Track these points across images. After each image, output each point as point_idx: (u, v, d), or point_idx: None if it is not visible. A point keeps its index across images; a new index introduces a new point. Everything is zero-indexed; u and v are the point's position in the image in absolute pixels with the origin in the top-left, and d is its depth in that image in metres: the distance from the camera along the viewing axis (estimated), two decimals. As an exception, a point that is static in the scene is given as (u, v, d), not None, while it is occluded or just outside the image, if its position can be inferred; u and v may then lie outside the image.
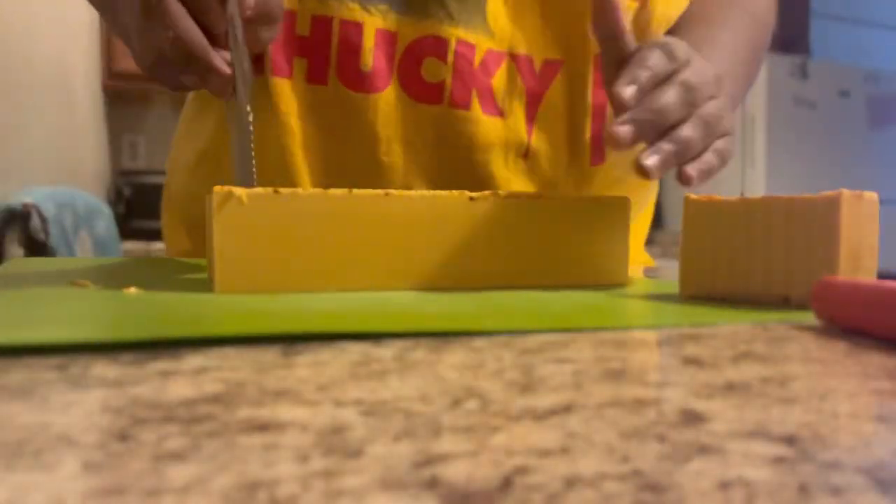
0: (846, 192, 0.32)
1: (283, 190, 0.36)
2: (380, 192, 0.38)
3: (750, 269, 0.34)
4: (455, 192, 0.40)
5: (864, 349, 0.23)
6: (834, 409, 0.16)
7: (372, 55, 0.55)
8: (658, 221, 2.78)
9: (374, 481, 0.12)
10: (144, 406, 0.16)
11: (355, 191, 0.38)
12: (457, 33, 0.56)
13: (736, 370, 0.20)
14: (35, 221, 1.22)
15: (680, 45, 0.45)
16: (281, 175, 0.55)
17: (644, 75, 0.42)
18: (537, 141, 0.59)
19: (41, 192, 1.32)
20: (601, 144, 0.61)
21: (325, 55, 0.55)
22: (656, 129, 0.42)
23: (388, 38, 0.55)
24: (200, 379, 0.19)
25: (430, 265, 0.39)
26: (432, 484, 0.11)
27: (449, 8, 0.55)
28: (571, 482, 0.11)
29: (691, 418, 0.15)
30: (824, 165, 2.45)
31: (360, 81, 0.55)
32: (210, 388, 0.17)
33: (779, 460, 0.13)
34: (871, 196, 0.33)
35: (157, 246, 2.28)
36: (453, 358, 0.21)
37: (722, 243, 0.35)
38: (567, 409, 0.16)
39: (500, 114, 0.58)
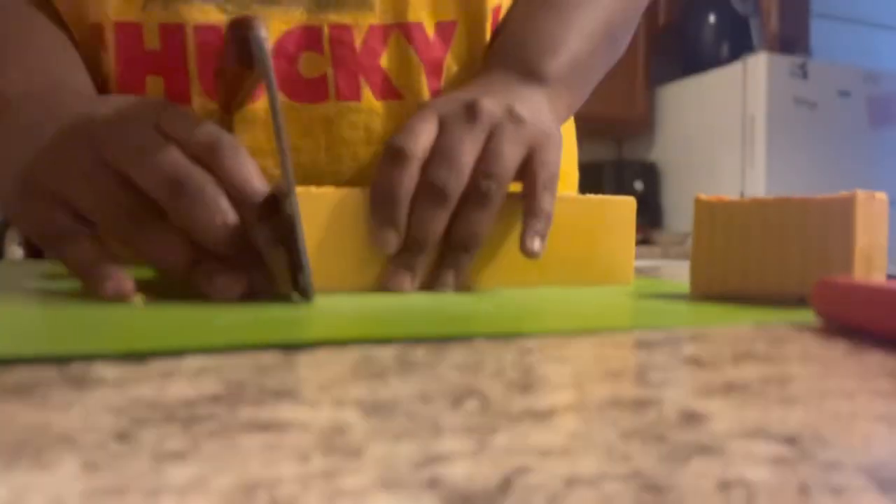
0: (861, 193, 0.32)
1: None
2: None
3: (764, 268, 0.35)
4: None
5: (864, 349, 0.23)
6: (834, 409, 0.16)
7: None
8: (658, 221, 2.78)
9: (374, 481, 0.12)
10: (144, 406, 0.16)
11: (358, 189, 0.38)
12: (327, 18, 0.49)
13: (736, 370, 0.20)
14: (35, 221, 1.22)
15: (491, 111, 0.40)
16: None
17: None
18: None
19: (41, 193, 1.32)
20: None
21: (184, 69, 0.48)
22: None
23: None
24: (200, 379, 0.19)
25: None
26: (432, 484, 0.11)
27: None
28: (571, 482, 0.11)
29: (691, 418, 0.15)
30: (824, 165, 2.45)
31: None
32: (210, 388, 0.17)
33: (779, 460, 0.13)
34: (882, 196, 0.33)
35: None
36: (454, 358, 0.21)
37: (734, 243, 0.36)
38: (567, 409, 0.16)
39: (397, 96, 0.52)
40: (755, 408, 0.16)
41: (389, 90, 0.51)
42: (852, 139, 2.52)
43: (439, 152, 0.38)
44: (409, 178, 0.37)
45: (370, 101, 0.51)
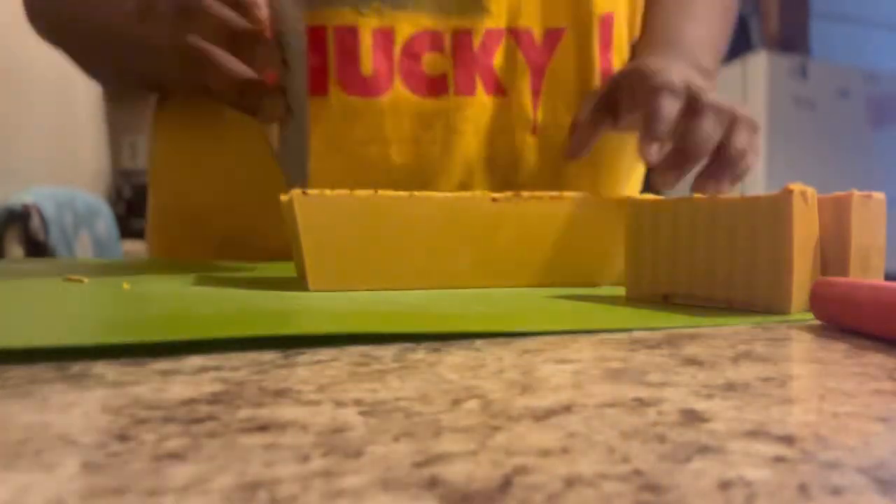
0: (857, 194, 0.32)
1: (358, 192, 0.39)
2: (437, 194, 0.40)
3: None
4: (478, 193, 0.41)
5: (864, 349, 0.23)
6: (834, 409, 0.16)
7: (371, 58, 0.55)
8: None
9: (374, 481, 0.12)
10: (144, 406, 0.16)
11: (416, 193, 0.40)
12: (450, 23, 0.56)
13: (736, 370, 0.20)
14: (35, 222, 1.22)
15: (677, 77, 0.50)
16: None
17: (661, 129, 0.47)
18: (544, 114, 0.60)
19: (41, 192, 1.32)
20: None
21: (323, 65, 0.55)
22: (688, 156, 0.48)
23: (386, 37, 0.55)
24: (200, 379, 0.19)
25: (457, 265, 0.40)
26: (432, 484, 0.11)
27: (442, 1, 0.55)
28: (571, 482, 0.11)
29: (691, 418, 0.15)
30: (824, 165, 2.45)
31: (362, 86, 0.55)
32: (210, 388, 0.17)
33: (779, 460, 0.13)
34: (880, 196, 0.33)
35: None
36: (453, 358, 0.21)
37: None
38: (567, 409, 0.16)
39: (503, 92, 0.58)
40: (755, 408, 0.16)
41: (497, 87, 0.58)
42: (852, 139, 2.52)
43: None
44: (677, 108, 0.48)
45: (482, 96, 0.57)
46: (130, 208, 2.51)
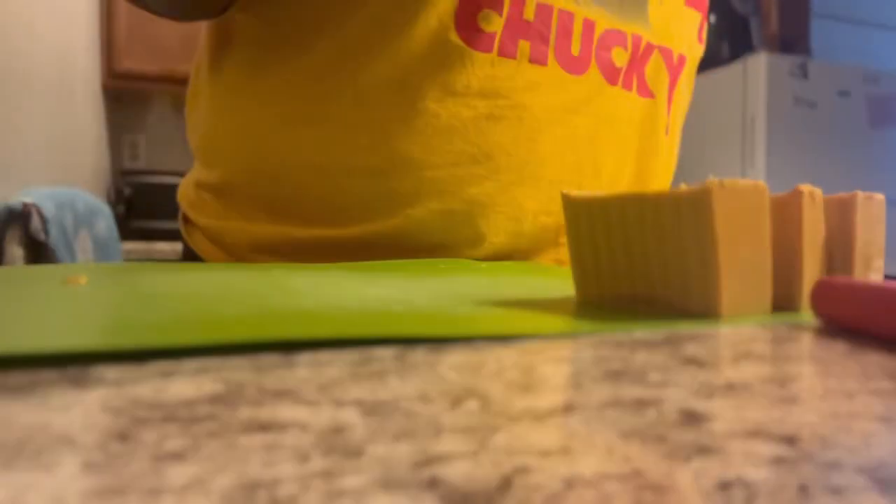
0: (860, 194, 0.32)
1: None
2: None
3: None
4: None
5: (864, 349, 0.23)
6: (834, 409, 0.16)
7: (580, 41, 0.63)
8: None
9: (374, 481, 0.12)
10: (144, 406, 0.16)
11: None
12: (632, 28, 0.66)
13: (736, 370, 0.20)
14: (35, 221, 1.22)
15: None
16: (520, 144, 0.62)
17: None
18: (671, 120, 0.72)
19: (41, 192, 1.32)
20: None
21: (546, 39, 0.62)
22: None
23: (589, 27, 0.64)
24: (200, 379, 0.19)
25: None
26: (432, 484, 0.11)
27: (625, 6, 0.66)
28: (571, 482, 0.11)
29: (691, 418, 0.15)
30: (824, 165, 2.45)
31: (572, 64, 0.63)
32: (210, 388, 0.17)
33: (779, 460, 0.13)
34: (880, 197, 0.33)
35: (158, 246, 2.28)
36: (453, 358, 0.21)
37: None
38: (567, 409, 0.16)
39: (651, 95, 0.69)
40: (755, 408, 0.16)
41: (646, 90, 0.69)
42: (852, 139, 2.52)
43: None
44: None
45: (635, 95, 0.68)
46: (130, 208, 2.51)
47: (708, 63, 2.62)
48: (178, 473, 0.12)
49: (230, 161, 0.66)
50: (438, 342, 0.24)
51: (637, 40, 0.66)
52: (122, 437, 0.14)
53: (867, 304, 0.25)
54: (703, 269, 0.28)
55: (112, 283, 0.39)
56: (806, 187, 0.30)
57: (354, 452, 0.13)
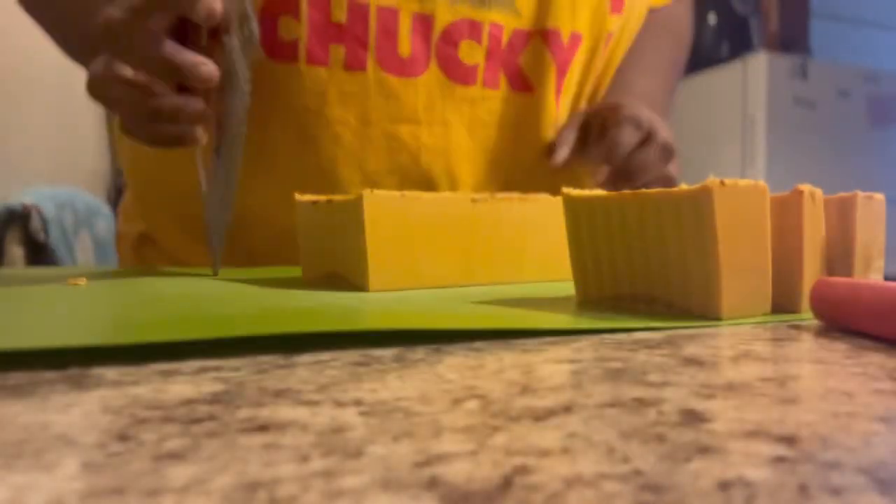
0: (860, 194, 0.32)
1: (407, 193, 0.40)
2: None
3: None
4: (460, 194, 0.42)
5: (864, 349, 0.23)
6: (834, 409, 0.16)
7: (409, 40, 0.57)
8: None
9: (374, 481, 0.12)
10: (144, 406, 0.16)
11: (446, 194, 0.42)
12: (490, 16, 0.58)
13: (736, 370, 0.20)
14: (35, 222, 1.22)
15: (643, 113, 0.60)
16: (325, 164, 0.56)
17: (618, 156, 0.58)
18: (563, 111, 0.65)
19: (41, 193, 1.32)
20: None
21: (363, 42, 0.56)
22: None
23: (425, 22, 0.57)
24: (200, 379, 0.19)
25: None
26: (432, 484, 0.11)
27: None
28: (571, 482, 0.11)
29: (691, 418, 0.15)
30: (824, 165, 2.45)
31: (399, 66, 0.57)
32: (210, 388, 0.17)
33: (779, 460, 0.13)
34: (880, 197, 0.33)
35: (157, 246, 2.27)
36: (453, 358, 0.21)
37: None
38: (567, 409, 0.16)
39: (528, 88, 0.61)
40: (755, 408, 0.16)
41: (522, 83, 0.61)
42: (852, 139, 2.52)
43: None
44: (636, 139, 0.59)
45: (506, 90, 0.61)
46: (130, 208, 2.51)
47: (708, 63, 2.63)
48: (178, 473, 0.12)
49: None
50: (438, 342, 0.24)
51: (497, 30, 0.59)
52: (122, 437, 0.14)
53: (867, 304, 0.25)
54: (703, 269, 0.28)
55: (111, 284, 0.39)
56: (806, 187, 0.30)
57: (354, 452, 0.13)
